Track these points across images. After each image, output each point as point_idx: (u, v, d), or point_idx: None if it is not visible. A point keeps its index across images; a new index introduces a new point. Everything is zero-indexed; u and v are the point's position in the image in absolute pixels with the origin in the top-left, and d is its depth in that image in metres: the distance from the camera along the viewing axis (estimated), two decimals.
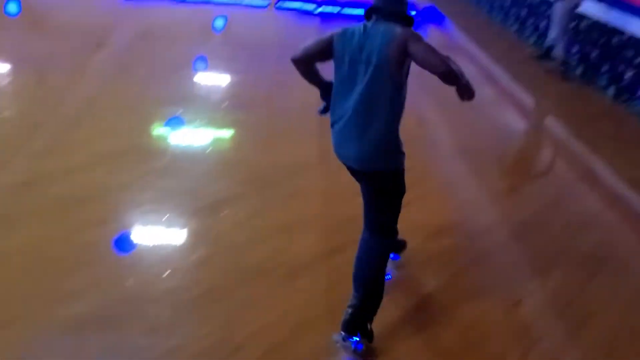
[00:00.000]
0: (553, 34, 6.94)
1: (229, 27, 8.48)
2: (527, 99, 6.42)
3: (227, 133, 4.78)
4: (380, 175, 2.47)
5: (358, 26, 2.38)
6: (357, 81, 2.34)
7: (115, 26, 7.85)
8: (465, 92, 2.30)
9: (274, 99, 5.55)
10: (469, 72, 2.51)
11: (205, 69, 6.43)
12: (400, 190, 2.55)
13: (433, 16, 10.52)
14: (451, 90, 2.27)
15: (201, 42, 7.38)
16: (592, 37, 6.66)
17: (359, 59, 2.32)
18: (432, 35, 9.56)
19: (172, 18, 8.49)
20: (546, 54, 7.15)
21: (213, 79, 6.11)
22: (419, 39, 2.28)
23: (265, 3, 9.90)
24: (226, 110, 5.20)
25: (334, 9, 10.23)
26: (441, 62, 2.20)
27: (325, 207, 3.70)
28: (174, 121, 4.78)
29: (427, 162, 4.56)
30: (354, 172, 2.57)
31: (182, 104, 5.14)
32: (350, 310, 2.48)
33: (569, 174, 4.64)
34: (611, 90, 6.20)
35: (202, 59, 6.62)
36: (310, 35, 8.34)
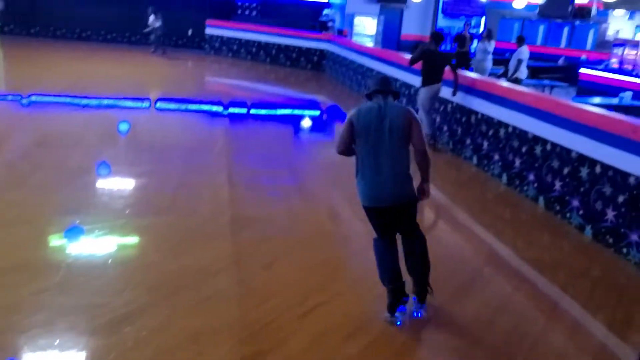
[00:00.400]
0: (419, 115, 7.71)
1: (132, 129, 8.36)
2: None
3: (131, 240, 4.53)
4: (409, 203, 3.49)
5: (371, 105, 3.46)
6: (383, 143, 3.36)
7: (9, 133, 7.49)
8: (428, 188, 3.56)
9: (180, 201, 5.40)
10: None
11: (107, 174, 6.19)
12: (417, 206, 3.58)
13: (337, 114, 11.03)
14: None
15: (102, 147, 7.16)
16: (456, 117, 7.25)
17: (382, 128, 3.36)
18: (339, 131, 9.96)
19: (71, 124, 8.25)
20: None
21: (115, 185, 5.88)
22: (417, 120, 3.46)
23: (146, 105, 9.95)
24: (130, 216, 4.97)
25: (242, 110, 10.46)
26: (425, 143, 3.49)
27: (238, 312, 3.52)
28: (72, 232, 4.46)
29: (340, 258, 4.54)
30: (383, 212, 3.45)
31: (82, 212, 4.86)
32: (415, 295, 3.62)
33: (476, 259, 4.79)
34: (504, 178, 6.66)
35: (104, 164, 6.38)
36: (217, 135, 8.40)
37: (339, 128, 9.31)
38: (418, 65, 7.97)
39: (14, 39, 18.13)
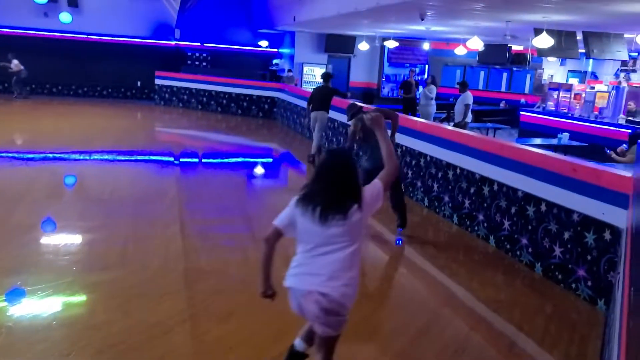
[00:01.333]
0: (315, 139, 10.03)
1: (80, 182, 8.13)
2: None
3: (77, 299, 4.31)
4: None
5: (357, 118, 6.06)
6: (366, 135, 5.88)
7: None
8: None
9: (130, 255, 5.22)
10: None
11: (53, 230, 5.95)
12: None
13: (289, 161, 11.09)
14: None
15: (48, 201, 6.91)
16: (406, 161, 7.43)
17: (364, 129, 5.86)
18: (292, 177, 9.99)
19: (15, 179, 7.95)
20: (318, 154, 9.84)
21: (61, 241, 5.64)
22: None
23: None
24: (76, 273, 4.75)
25: (194, 160, 10.37)
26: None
27: None
28: (13, 294, 4.22)
29: None
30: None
31: (25, 272, 4.62)
32: (400, 226, 6.27)
33: (433, 301, 4.81)
34: (455, 219, 6.80)
35: (49, 220, 6.15)
36: (169, 185, 8.18)
37: (292, 173, 9.28)
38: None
39: None
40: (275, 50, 20.74)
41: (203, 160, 10.56)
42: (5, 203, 6.61)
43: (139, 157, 10.12)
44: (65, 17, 18.44)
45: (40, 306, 4.11)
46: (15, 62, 16.97)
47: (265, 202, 7.96)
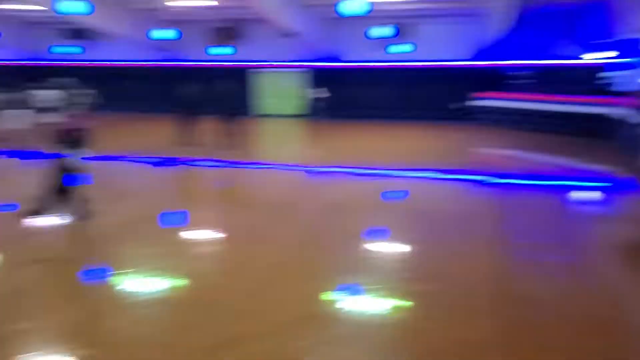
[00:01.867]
0: None
1: (410, 197, 8.82)
2: None
3: (402, 304, 4.72)
4: None
5: None
6: None
7: (303, 200, 8.71)
8: None
9: (449, 270, 5.45)
10: None
11: (384, 238, 6.66)
12: None
13: (631, 188, 9.74)
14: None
15: (380, 212, 7.76)
16: None
17: None
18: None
19: (354, 190, 9.19)
20: None
21: (391, 249, 6.31)
22: None
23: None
24: (401, 280, 5.21)
25: (514, 181, 10.16)
26: None
27: None
28: (348, 290, 4.90)
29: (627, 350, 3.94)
30: None
31: (358, 273, 5.31)
32: None
33: None
34: None
35: (381, 229, 6.90)
36: (488, 204, 8.22)
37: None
38: None
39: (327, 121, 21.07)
40: (611, 61, 18.60)
41: (524, 181, 10.23)
42: (347, 212, 7.71)
43: (457, 176, 10.44)
44: (403, 48, 20.64)
45: (371, 304, 4.69)
46: (317, 89, 21.39)
47: (595, 232, 7.23)
